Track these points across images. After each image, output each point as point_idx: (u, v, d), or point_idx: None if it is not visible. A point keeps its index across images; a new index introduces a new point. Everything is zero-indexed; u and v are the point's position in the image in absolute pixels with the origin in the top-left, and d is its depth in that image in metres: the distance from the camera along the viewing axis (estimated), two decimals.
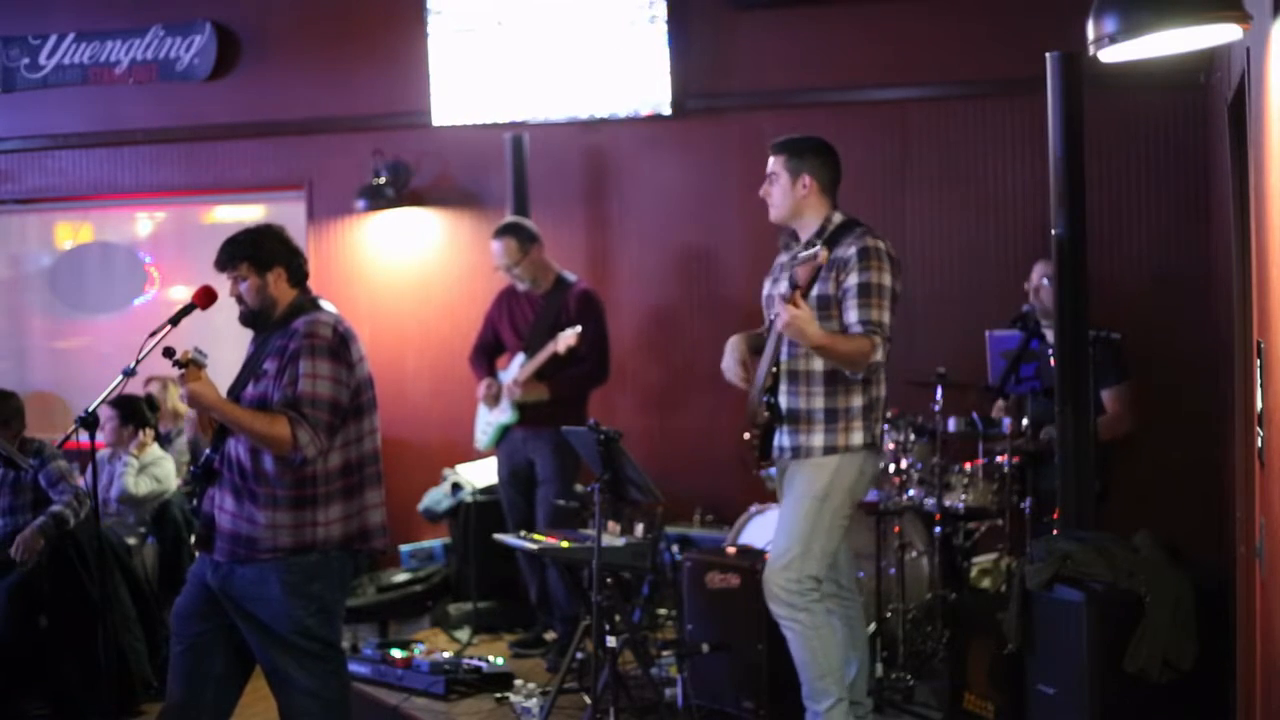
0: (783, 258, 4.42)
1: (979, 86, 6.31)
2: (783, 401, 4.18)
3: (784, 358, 4.18)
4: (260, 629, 3.74)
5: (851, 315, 4.06)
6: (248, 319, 3.88)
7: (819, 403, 4.14)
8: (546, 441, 5.70)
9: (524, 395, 5.78)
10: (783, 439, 4.21)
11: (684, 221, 6.80)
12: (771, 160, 4.27)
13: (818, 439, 4.14)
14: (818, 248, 3.89)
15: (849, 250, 4.09)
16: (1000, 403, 5.54)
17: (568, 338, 5.62)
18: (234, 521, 3.73)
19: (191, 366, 3.64)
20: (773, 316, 4.26)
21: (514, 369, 5.85)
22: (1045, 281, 5.27)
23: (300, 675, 3.75)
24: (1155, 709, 3.91)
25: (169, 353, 3.64)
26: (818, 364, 4.13)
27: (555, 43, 6.80)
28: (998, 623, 4.19)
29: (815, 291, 4.11)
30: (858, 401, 4.15)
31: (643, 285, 6.87)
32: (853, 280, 4.07)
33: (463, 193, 7.12)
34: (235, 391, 3.83)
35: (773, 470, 5.63)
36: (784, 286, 4.26)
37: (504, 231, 5.89)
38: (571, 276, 5.97)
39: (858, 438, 4.14)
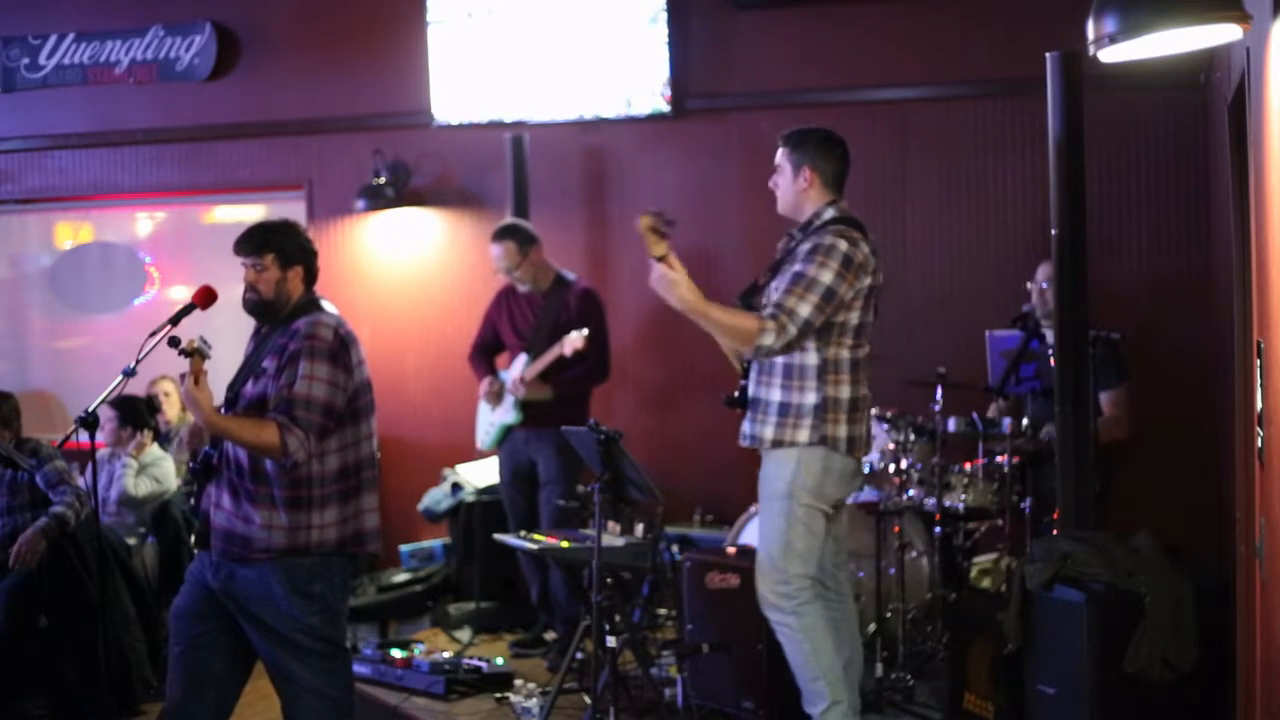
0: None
1: (979, 86, 6.31)
2: (749, 389, 4.22)
3: None
4: (265, 629, 3.75)
5: (772, 297, 4.08)
6: (257, 308, 3.87)
7: (776, 394, 4.14)
8: (549, 442, 5.70)
9: (528, 394, 5.78)
10: (745, 425, 4.25)
11: (684, 221, 6.71)
12: (779, 152, 4.28)
13: (769, 431, 4.14)
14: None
15: (805, 245, 4.11)
16: (999, 402, 5.53)
17: (574, 341, 5.61)
18: (230, 520, 3.73)
19: (196, 356, 3.64)
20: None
21: (516, 369, 5.85)
22: (1046, 284, 5.27)
23: (305, 674, 3.75)
24: (1155, 709, 3.91)
25: (174, 342, 3.64)
26: (779, 355, 4.13)
27: (555, 43, 6.80)
28: (998, 623, 4.19)
29: (774, 285, 4.16)
30: (811, 399, 4.10)
31: (643, 285, 6.75)
32: (794, 268, 4.08)
33: (463, 193, 7.12)
34: (235, 388, 3.83)
35: None
36: (779, 280, 4.27)
37: (503, 234, 5.88)
38: (571, 275, 5.97)
39: (804, 435, 4.09)
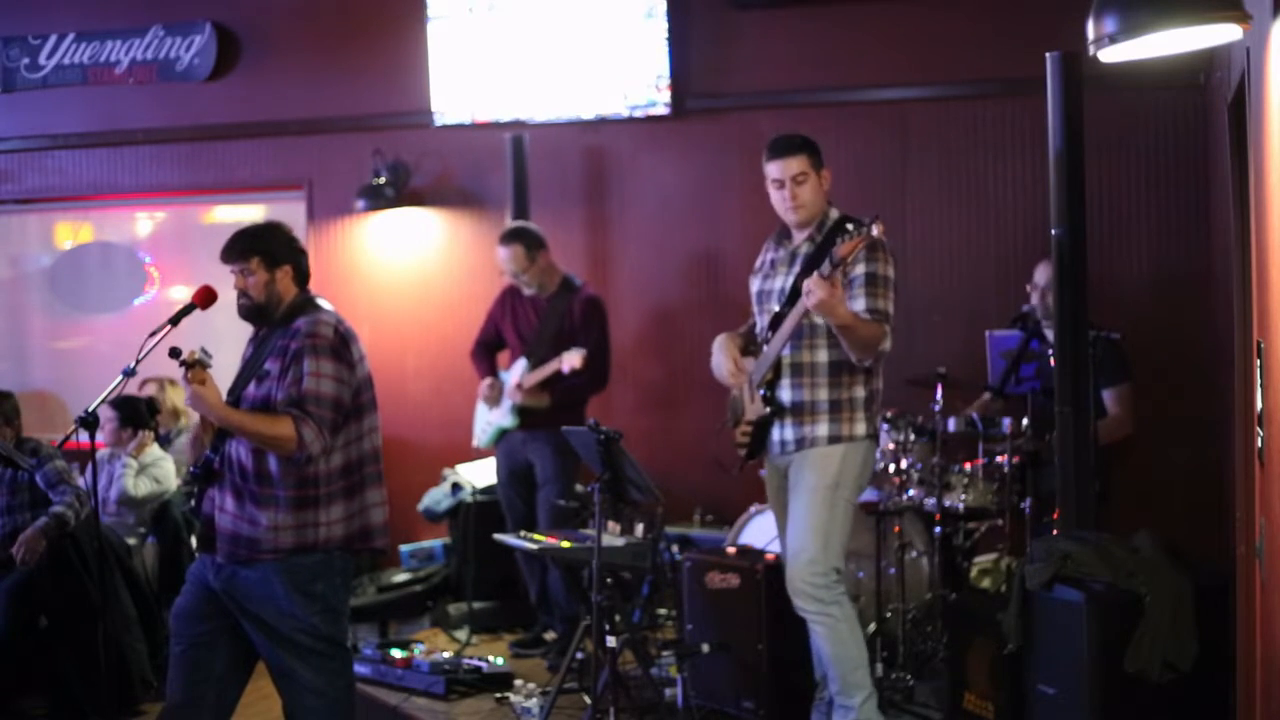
0: (771, 254, 4.41)
1: (979, 86, 6.31)
2: (784, 395, 4.21)
3: (786, 351, 4.18)
4: (266, 629, 3.75)
5: (859, 304, 4.10)
6: (250, 313, 3.88)
7: (823, 394, 4.19)
8: (546, 443, 5.71)
9: (525, 401, 5.79)
10: (784, 432, 4.22)
11: (684, 221, 6.80)
12: (794, 161, 4.22)
13: (823, 429, 4.18)
14: (867, 226, 3.85)
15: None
16: (985, 397, 5.48)
17: (573, 360, 5.60)
18: (235, 522, 3.73)
19: (196, 367, 3.65)
20: (768, 310, 4.26)
21: (516, 372, 5.85)
22: (1045, 285, 5.26)
23: (306, 674, 3.76)
24: (1155, 709, 3.91)
25: (174, 353, 3.65)
26: (822, 355, 4.17)
27: (555, 42, 6.80)
28: (998, 623, 4.19)
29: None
30: (860, 393, 4.21)
31: (643, 285, 6.87)
32: (860, 270, 4.12)
33: (463, 193, 7.12)
34: (236, 392, 3.84)
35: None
36: (777, 282, 4.27)
37: (511, 238, 5.87)
38: (578, 281, 5.95)
39: (861, 428, 4.20)
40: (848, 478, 4.18)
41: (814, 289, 3.86)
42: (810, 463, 4.19)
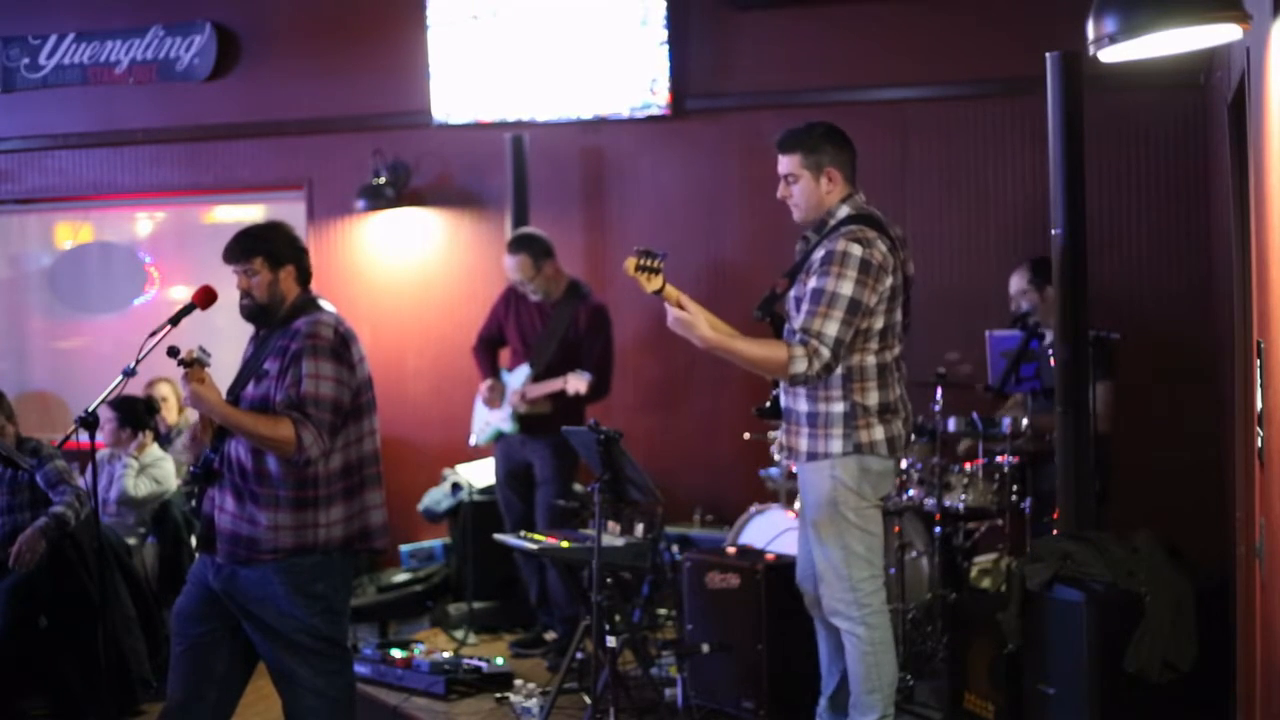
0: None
1: (979, 86, 6.31)
2: (782, 400, 4.15)
3: None
4: (267, 629, 3.75)
5: (796, 322, 3.90)
6: (253, 313, 3.88)
7: (803, 405, 4.01)
8: (544, 444, 5.72)
9: (527, 410, 5.79)
10: (782, 437, 4.19)
11: (684, 221, 6.79)
12: (785, 160, 4.05)
13: (803, 443, 4.02)
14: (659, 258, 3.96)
15: (819, 253, 3.93)
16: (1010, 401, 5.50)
17: (577, 384, 5.59)
18: (234, 522, 3.73)
19: (195, 366, 3.65)
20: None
21: (518, 376, 5.84)
22: (1016, 293, 5.42)
23: (307, 674, 3.76)
24: (1155, 709, 3.91)
25: (173, 352, 3.64)
26: (821, 378, 3.97)
27: (555, 43, 6.81)
28: (998, 623, 4.19)
29: (793, 294, 4.02)
30: (838, 408, 3.95)
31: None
32: (811, 284, 3.90)
33: (463, 193, 7.13)
34: (235, 391, 3.83)
35: (773, 471, 5.65)
36: (797, 290, 4.18)
37: (517, 247, 5.85)
38: (585, 287, 5.94)
39: (836, 445, 3.94)
40: (843, 490, 3.95)
41: (668, 311, 3.85)
42: (802, 483, 4.08)
